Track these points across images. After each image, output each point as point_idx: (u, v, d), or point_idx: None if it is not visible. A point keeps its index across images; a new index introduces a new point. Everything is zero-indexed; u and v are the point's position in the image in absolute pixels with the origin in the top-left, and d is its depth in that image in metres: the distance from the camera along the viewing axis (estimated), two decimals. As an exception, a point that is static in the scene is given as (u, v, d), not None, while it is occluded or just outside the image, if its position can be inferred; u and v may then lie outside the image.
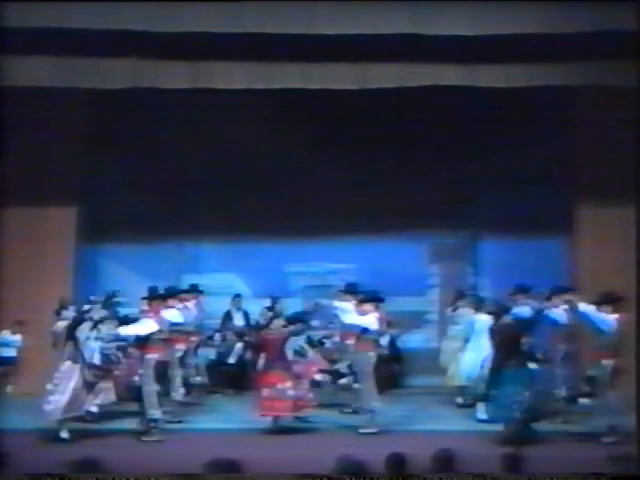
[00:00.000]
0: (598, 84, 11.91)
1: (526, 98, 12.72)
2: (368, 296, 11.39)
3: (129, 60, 11.60)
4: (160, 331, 10.86)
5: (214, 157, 14.41)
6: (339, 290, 12.37)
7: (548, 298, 11.90)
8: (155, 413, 10.62)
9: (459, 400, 12.55)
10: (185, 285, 12.98)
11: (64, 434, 10.39)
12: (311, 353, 12.35)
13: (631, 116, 11.88)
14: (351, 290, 11.99)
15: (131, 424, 10.80)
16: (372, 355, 11.17)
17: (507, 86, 11.87)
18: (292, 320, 11.48)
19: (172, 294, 11.74)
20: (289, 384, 10.91)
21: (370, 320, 11.18)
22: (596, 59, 11.46)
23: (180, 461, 6.68)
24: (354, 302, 11.47)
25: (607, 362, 10.57)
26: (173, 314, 11.51)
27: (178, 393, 11.73)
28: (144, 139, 14.41)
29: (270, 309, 13.06)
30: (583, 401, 11.43)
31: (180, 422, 11.36)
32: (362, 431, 10.82)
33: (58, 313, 12.01)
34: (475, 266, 14.99)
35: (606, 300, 10.71)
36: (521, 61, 11.64)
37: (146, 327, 10.75)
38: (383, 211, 14.46)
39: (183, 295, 12.28)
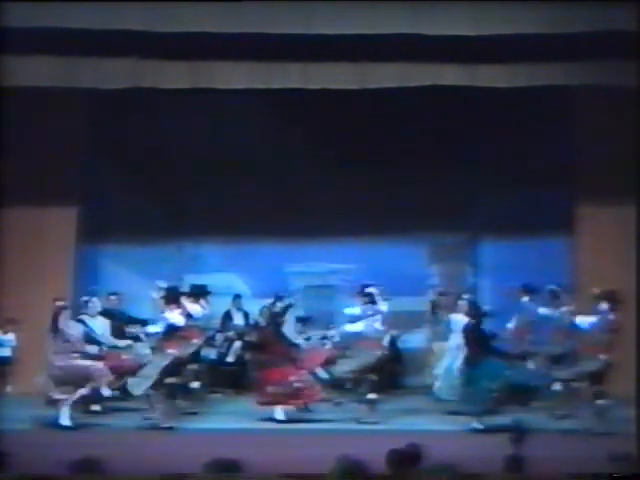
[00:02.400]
0: (598, 84, 11.91)
1: (527, 98, 12.73)
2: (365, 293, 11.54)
3: (129, 60, 11.62)
4: (180, 326, 11.11)
5: (214, 157, 14.40)
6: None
7: (556, 297, 11.96)
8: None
9: (435, 392, 12.67)
10: (186, 286, 12.97)
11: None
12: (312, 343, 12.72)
13: (631, 116, 11.89)
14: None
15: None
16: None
17: (507, 86, 11.89)
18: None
19: (191, 293, 11.99)
20: (293, 377, 11.20)
21: (365, 323, 11.40)
22: (596, 59, 11.49)
23: (180, 461, 6.67)
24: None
25: (602, 357, 10.71)
26: (197, 309, 11.75)
27: (192, 386, 11.88)
28: (144, 139, 14.40)
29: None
30: (555, 387, 11.57)
31: (196, 413, 11.63)
32: (363, 421, 11.10)
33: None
34: (475, 266, 14.99)
35: (606, 297, 10.81)
36: (522, 61, 11.67)
37: (176, 320, 11.05)
38: (383, 211, 14.45)
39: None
